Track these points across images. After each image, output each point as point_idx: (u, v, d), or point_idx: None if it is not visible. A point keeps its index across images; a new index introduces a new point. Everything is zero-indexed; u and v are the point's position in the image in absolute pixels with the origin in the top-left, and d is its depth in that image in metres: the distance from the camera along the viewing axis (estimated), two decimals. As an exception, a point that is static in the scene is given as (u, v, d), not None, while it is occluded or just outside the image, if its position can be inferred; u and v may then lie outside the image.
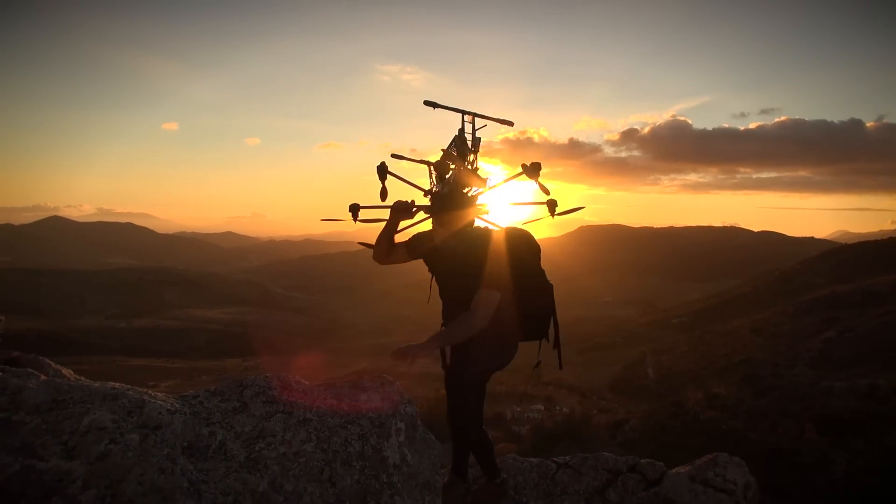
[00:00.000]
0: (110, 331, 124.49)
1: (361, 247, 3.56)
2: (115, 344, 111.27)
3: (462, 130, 3.31)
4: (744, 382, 61.60)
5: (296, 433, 2.43)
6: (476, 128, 3.33)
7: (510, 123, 3.43)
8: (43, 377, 2.47)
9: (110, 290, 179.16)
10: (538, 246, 3.39)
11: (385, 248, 3.28)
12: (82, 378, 3.62)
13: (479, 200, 3.23)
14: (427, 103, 3.35)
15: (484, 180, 3.22)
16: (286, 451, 2.35)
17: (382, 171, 3.29)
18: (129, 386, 2.57)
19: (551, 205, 3.27)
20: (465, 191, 3.16)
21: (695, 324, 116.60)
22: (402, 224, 3.31)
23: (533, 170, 3.09)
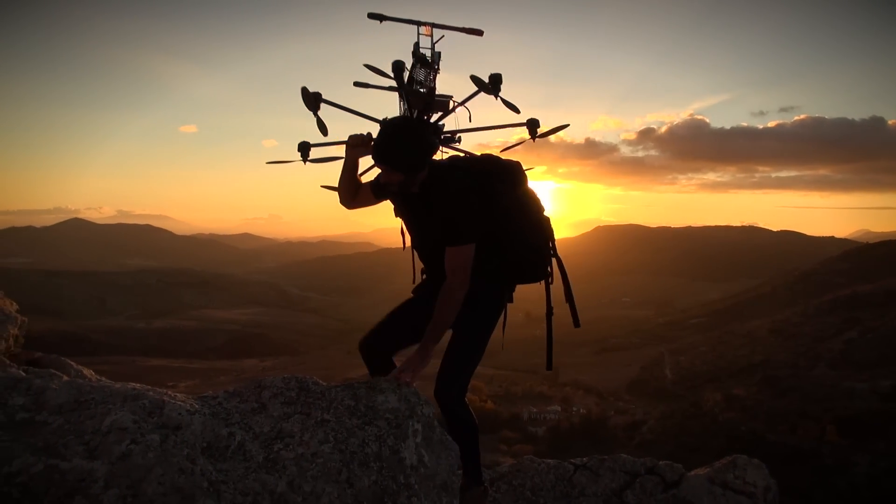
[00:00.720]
0: (130, 331, 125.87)
1: (327, 190, 3.12)
2: (135, 344, 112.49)
3: (418, 45, 2.86)
4: (763, 383, 61.07)
5: (314, 434, 2.44)
6: (435, 41, 2.88)
7: (479, 32, 2.97)
8: (65, 378, 2.50)
9: (130, 291, 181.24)
10: (516, 170, 2.96)
11: (348, 189, 2.90)
12: (103, 378, 3.67)
13: (444, 130, 2.90)
14: (371, 16, 2.89)
15: (446, 103, 2.86)
16: (304, 451, 2.36)
17: (313, 100, 2.87)
18: (149, 387, 2.60)
19: (532, 125, 2.98)
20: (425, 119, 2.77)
21: (713, 324, 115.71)
22: (366, 161, 2.88)
23: (492, 85, 2.76)
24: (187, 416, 2.31)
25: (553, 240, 3.02)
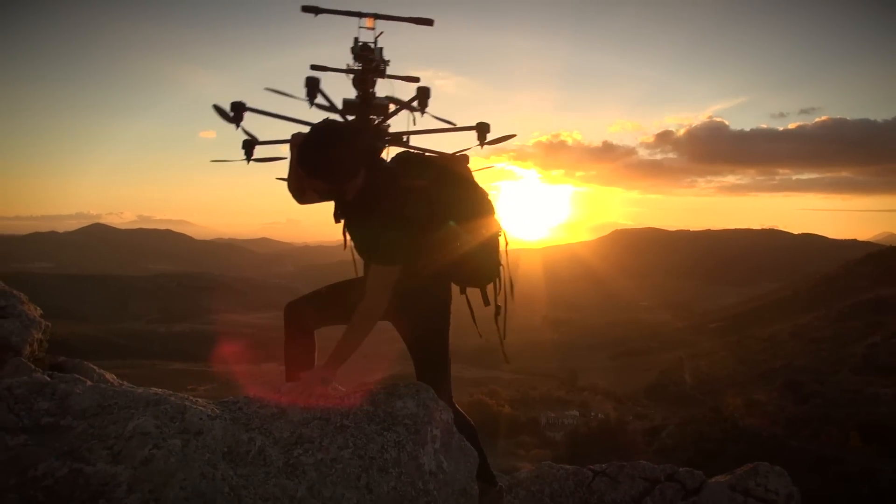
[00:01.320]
0: (150, 335, 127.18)
1: (280, 181, 2.96)
2: (155, 348, 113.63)
3: (357, 41, 2.71)
4: (785, 389, 60.38)
5: (333, 439, 2.45)
6: (377, 35, 2.73)
7: (429, 22, 2.81)
8: (89, 383, 2.53)
9: (150, 295, 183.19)
10: (446, 164, 2.76)
11: (296, 187, 2.78)
12: (125, 383, 3.71)
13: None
14: (305, 9, 2.74)
15: (385, 106, 2.75)
16: (324, 457, 2.37)
17: (236, 110, 2.77)
18: (171, 392, 2.63)
19: (481, 130, 2.83)
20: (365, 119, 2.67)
21: (733, 328, 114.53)
22: None
23: (421, 98, 2.68)
24: (208, 421, 2.33)
25: (498, 243, 2.84)
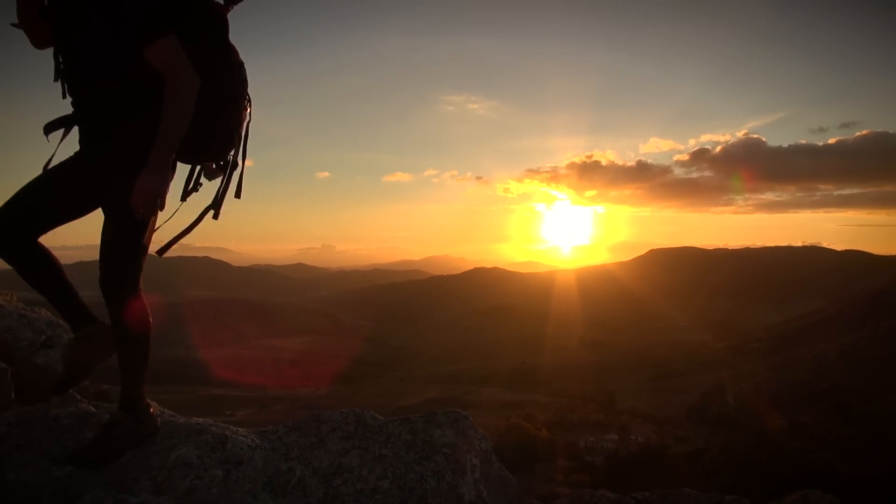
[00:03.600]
0: (190, 361, 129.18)
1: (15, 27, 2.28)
2: (195, 374, 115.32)
3: None
4: (832, 411, 58.45)
5: (372, 469, 2.44)
6: None
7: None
8: (132, 413, 2.57)
9: (189, 321, 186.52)
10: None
11: (30, 28, 2.25)
12: (165, 410, 3.76)
13: None
14: None
15: None
16: (363, 487, 2.36)
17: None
18: (212, 421, 2.66)
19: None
20: None
21: (776, 349, 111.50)
22: None
23: None
24: (248, 451, 2.35)
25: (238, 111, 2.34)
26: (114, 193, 2.19)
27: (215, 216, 2.44)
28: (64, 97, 2.24)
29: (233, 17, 2.35)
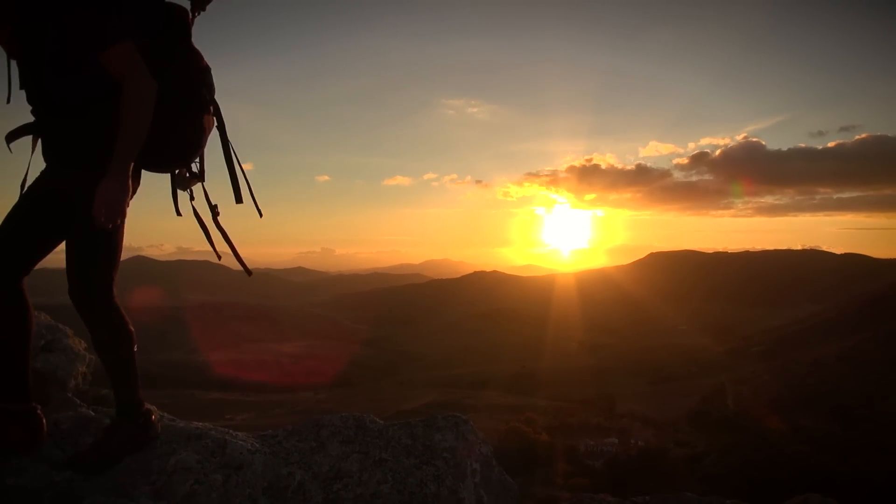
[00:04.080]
0: (189, 364, 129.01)
1: None
2: (194, 378, 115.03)
3: None
4: (833, 414, 58.36)
5: (372, 474, 2.44)
6: None
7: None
8: (132, 417, 2.56)
9: (189, 325, 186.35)
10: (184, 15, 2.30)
11: None
12: (165, 415, 3.75)
13: None
14: None
15: None
16: (363, 491, 2.35)
17: None
18: (211, 425, 2.65)
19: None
20: None
21: (776, 352, 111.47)
22: None
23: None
24: (248, 455, 2.34)
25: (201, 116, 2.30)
26: (76, 203, 2.14)
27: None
28: (29, 100, 2.19)
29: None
